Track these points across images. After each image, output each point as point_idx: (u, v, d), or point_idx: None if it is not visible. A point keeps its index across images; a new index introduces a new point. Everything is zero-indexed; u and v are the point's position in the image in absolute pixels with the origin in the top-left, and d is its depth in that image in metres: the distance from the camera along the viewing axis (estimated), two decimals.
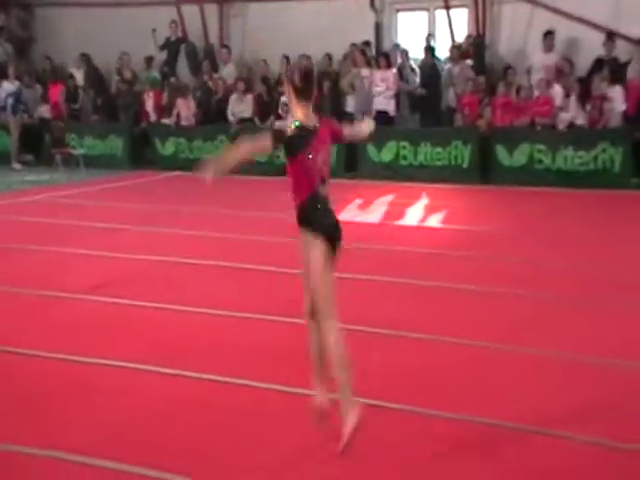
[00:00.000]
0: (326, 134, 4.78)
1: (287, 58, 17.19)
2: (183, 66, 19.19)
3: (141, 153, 18.14)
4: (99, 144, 18.21)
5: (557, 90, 14.73)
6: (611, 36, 14.98)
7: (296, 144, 4.62)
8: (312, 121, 4.71)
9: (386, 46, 17.53)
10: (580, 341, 6.70)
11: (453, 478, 4.51)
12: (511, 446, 4.86)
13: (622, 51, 15.09)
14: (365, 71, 16.30)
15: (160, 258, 9.70)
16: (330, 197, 4.76)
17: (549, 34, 15.30)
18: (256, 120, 17.00)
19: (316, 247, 4.67)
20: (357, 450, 4.64)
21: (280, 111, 16.48)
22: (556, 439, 4.89)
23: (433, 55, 16.68)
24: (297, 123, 4.64)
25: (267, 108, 17.01)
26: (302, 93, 4.70)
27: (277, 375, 6.06)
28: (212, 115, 17.66)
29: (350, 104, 16.41)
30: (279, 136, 4.67)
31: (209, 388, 5.92)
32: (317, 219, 4.69)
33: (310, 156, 4.63)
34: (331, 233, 4.73)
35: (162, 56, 19.22)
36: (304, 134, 4.63)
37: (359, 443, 4.63)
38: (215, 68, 18.57)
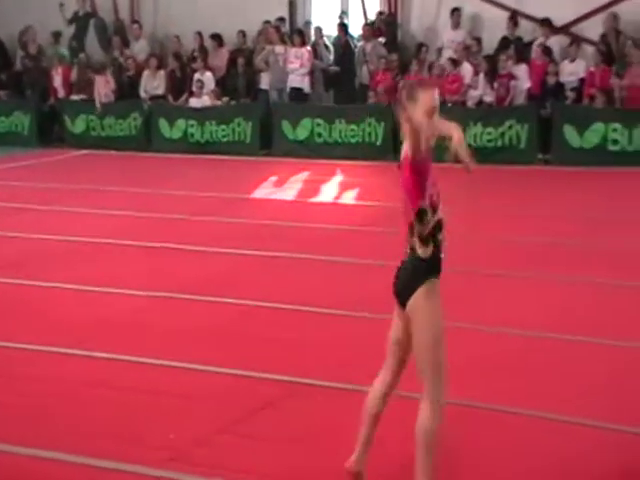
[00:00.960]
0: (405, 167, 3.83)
1: (200, 34, 17.09)
2: (92, 41, 18.67)
3: (49, 131, 17.63)
4: (4, 121, 17.69)
5: (466, 68, 14.98)
6: (514, 16, 15.24)
7: None
8: None
9: (300, 23, 17.47)
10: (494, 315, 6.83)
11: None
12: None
13: (527, 30, 15.39)
14: (279, 48, 16.21)
15: (66, 238, 9.57)
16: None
17: (456, 10, 15.56)
18: (169, 97, 16.81)
19: (437, 305, 3.91)
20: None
21: (194, 88, 16.34)
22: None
23: (346, 33, 16.71)
24: None
25: (180, 85, 16.84)
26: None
27: (192, 354, 6.11)
28: (124, 92, 17.30)
29: (264, 81, 16.34)
30: None
31: (121, 368, 5.91)
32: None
33: None
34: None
35: (70, 31, 18.65)
36: None
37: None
38: (126, 44, 18.22)
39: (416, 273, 3.78)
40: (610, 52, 14.24)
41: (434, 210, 3.74)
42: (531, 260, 8.42)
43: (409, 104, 3.76)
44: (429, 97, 3.76)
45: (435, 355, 3.75)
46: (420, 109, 3.72)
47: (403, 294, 3.84)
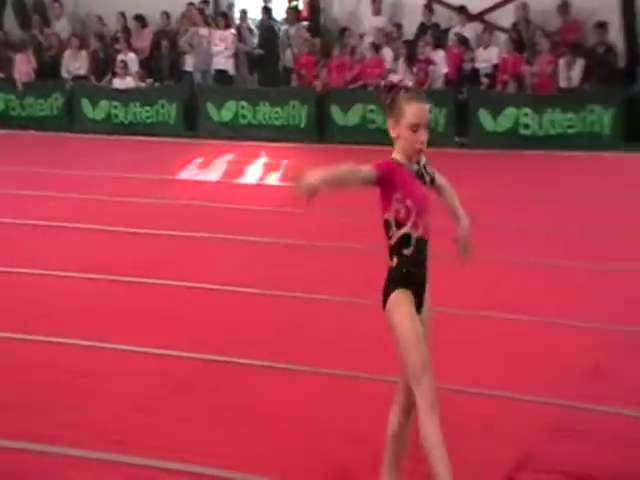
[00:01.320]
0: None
1: (123, 15, 16.98)
2: (10, 19, 18.48)
3: None
4: None
5: (387, 53, 15.29)
6: (430, 3, 15.63)
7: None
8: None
9: (224, 6, 17.53)
10: None
11: None
12: None
13: (445, 18, 15.76)
14: (203, 30, 16.27)
15: None
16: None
17: None
18: (92, 78, 16.72)
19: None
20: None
21: (117, 69, 16.29)
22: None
23: (270, 16, 16.82)
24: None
25: (103, 66, 16.77)
26: None
27: (113, 335, 6.07)
28: (45, 71, 17.12)
29: (189, 63, 16.37)
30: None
31: (39, 349, 5.86)
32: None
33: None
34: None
35: None
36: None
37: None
38: (46, 22, 18.00)
39: (387, 282, 3.72)
40: (521, 40, 14.70)
41: (398, 224, 3.65)
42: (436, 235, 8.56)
43: (392, 114, 3.66)
44: (414, 111, 3.61)
45: (407, 359, 3.61)
46: (404, 123, 3.61)
47: (382, 301, 3.75)
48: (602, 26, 14.15)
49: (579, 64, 13.86)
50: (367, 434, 4.48)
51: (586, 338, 5.94)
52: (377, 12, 15.90)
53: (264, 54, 16.41)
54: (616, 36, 14.37)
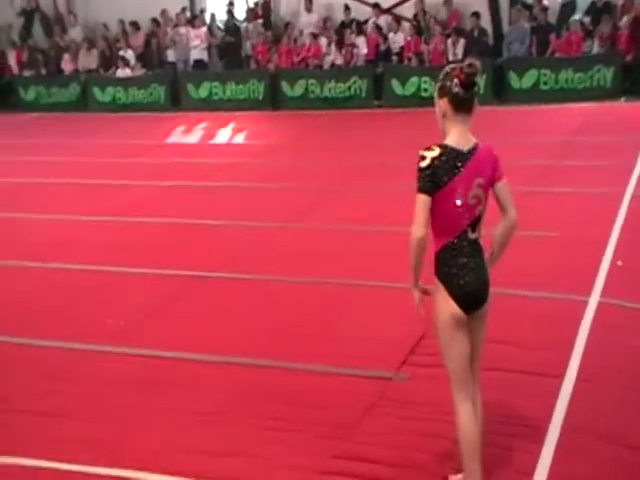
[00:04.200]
0: (487, 164, 2.78)
1: (122, 22, 16.60)
2: (38, 30, 17.98)
3: (7, 99, 16.81)
4: None
5: (322, 40, 15.10)
6: (348, 5, 15.41)
7: (440, 173, 2.71)
8: (468, 142, 2.77)
9: (197, 10, 17.11)
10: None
11: None
12: None
13: (364, 12, 15.47)
14: (182, 29, 15.96)
15: (29, 180, 9.46)
16: (482, 247, 2.86)
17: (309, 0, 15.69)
18: (101, 70, 16.37)
19: (444, 311, 2.80)
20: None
21: (119, 63, 15.98)
22: None
23: (233, 16, 16.46)
24: (444, 144, 2.76)
25: (109, 61, 16.41)
26: (462, 104, 2.75)
27: (116, 261, 6.06)
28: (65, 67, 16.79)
29: (172, 54, 16.05)
30: (429, 179, 2.71)
31: (62, 274, 5.81)
32: (455, 278, 2.78)
33: (458, 189, 2.72)
34: (472, 300, 2.80)
35: (20, 22, 17.89)
36: (452, 159, 2.73)
37: None
38: (65, 31, 17.58)
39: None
40: (420, 27, 14.60)
41: None
42: (363, 174, 8.66)
43: (439, 98, 2.81)
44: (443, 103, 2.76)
45: None
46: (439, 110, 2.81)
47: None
48: (476, 15, 14.18)
49: (461, 43, 13.83)
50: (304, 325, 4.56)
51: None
52: (309, 11, 15.68)
53: (230, 45, 16.00)
54: (486, 22, 14.37)
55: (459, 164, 2.72)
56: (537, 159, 8.67)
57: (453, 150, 2.73)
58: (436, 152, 2.73)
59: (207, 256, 6.05)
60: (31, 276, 5.89)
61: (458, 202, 2.72)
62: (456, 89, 2.73)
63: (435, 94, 2.86)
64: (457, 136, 2.76)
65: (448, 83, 2.75)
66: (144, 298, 5.25)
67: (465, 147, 2.75)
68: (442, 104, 2.79)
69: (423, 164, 2.72)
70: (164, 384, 4.04)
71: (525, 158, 8.57)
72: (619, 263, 5.33)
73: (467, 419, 2.83)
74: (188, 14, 16.70)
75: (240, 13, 16.78)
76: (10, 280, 5.83)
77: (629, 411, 3.56)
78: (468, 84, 2.73)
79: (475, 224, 2.79)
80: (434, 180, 2.70)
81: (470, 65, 2.73)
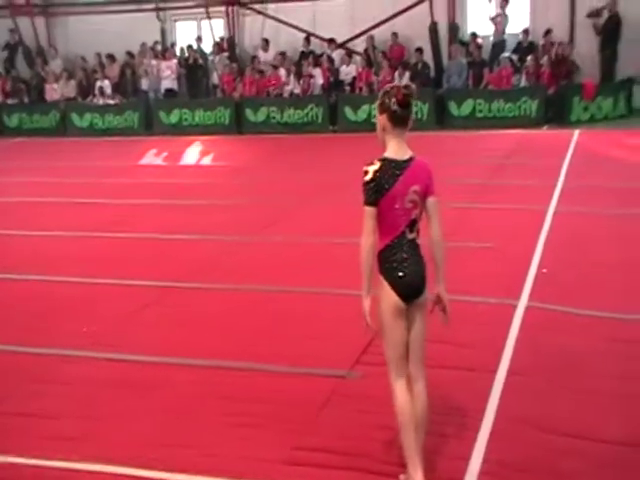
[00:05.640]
0: (422, 174, 2.85)
1: (99, 54, 16.40)
2: (21, 62, 17.72)
3: None
4: None
5: (282, 72, 15.18)
6: (308, 37, 15.56)
7: (382, 182, 2.77)
8: (405, 153, 2.83)
9: (168, 44, 17.01)
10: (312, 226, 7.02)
11: None
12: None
13: (319, 45, 15.64)
14: (154, 62, 15.90)
15: (21, 199, 9.22)
16: (419, 246, 2.90)
17: (265, 40, 15.88)
18: (79, 98, 16.15)
19: (386, 302, 2.84)
20: None
21: (96, 92, 15.77)
22: None
23: (201, 50, 16.42)
24: (383, 158, 2.81)
25: (86, 90, 16.22)
26: (400, 120, 2.80)
27: (94, 272, 6.01)
28: (45, 96, 16.46)
29: (144, 84, 15.95)
30: (373, 191, 2.77)
31: (41, 285, 5.69)
32: (395, 271, 2.82)
33: (397, 194, 2.78)
34: (410, 289, 2.84)
35: (3, 55, 17.66)
36: (392, 168, 2.79)
37: None
38: (46, 62, 17.29)
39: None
40: (370, 59, 14.77)
41: None
42: (320, 191, 8.66)
43: (379, 114, 2.85)
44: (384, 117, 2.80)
45: None
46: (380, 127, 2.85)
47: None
48: (420, 50, 14.44)
49: (407, 75, 14.02)
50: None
51: None
52: (265, 50, 15.90)
53: (196, 74, 15.94)
54: (428, 57, 14.63)
55: (397, 172, 2.80)
56: (473, 178, 8.84)
57: (392, 161, 2.81)
58: (377, 165, 2.81)
59: (178, 268, 5.99)
60: (13, 287, 5.77)
61: (397, 205, 2.81)
62: (394, 107, 2.80)
63: (376, 110, 2.92)
64: (395, 148, 2.84)
65: (387, 101, 2.83)
66: (120, 307, 5.17)
67: (402, 157, 2.84)
68: (382, 119, 2.86)
69: (367, 178, 2.80)
70: (137, 385, 3.98)
71: (462, 177, 8.74)
72: (544, 270, 5.45)
73: (402, 396, 2.88)
74: (159, 47, 16.67)
75: (207, 47, 16.77)
76: None
77: (557, 401, 3.64)
78: (405, 103, 2.81)
79: (412, 225, 2.87)
80: (378, 189, 2.78)
81: (406, 87, 2.84)
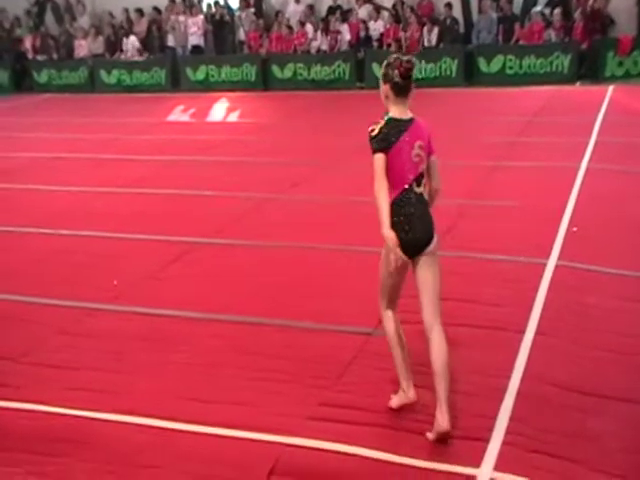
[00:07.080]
0: (424, 132, 2.99)
1: (127, 10, 16.14)
2: (50, 18, 17.53)
3: (21, 81, 16.54)
4: None
5: (309, 27, 14.76)
6: None
7: (389, 136, 2.90)
8: (407, 115, 2.97)
9: (195, 0, 16.60)
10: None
11: None
12: None
13: (347, 2, 15.13)
14: (181, 17, 15.54)
15: (44, 155, 9.21)
16: (426, 201, 3.03)
17: None
18: (107, 55, 15.94)
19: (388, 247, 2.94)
20: None
21: (124, 48, 15.55)
22: None
23: (228, 6, 16.04)
24: (388, 118, 2.94)
25: (114, 46, 15.97)
26: (401, 90, 2.92)
27: (120, 228, 5.98)
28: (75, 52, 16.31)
29: (171, 40, 15.64)
30: (381, 140, 2.90)
31: (73, 241, 5.68)
32: (399, 230, 2.91)
33: (404, 146, 2.91)
34: (415, 246, 2.95)
35: (34, 11, 17.45)
36: (397, 125, 2.92)
37: None
38: (74, 19, 17.09)
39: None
40: (398, 16, 14.25)
41: None
42: (346, 150, 8.46)
43: (383, 83, 2.96)
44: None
45: None
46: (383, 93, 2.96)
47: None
48: (449, 5, 13.92)
49: (435, 31, 13.57)
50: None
51: None
52: (297, 1, 15.31)
53: (224, 32, 15.59)
54: (458, 12, 14.10)
55: (402, 128, 2.95)
56: (502, 136, 8.56)
57: (396, 119, 2.96)
58: (382, 123, 2.95)
59: (205, 224, 5.94)
60: (43, 242, 5.78)
61: (404, 157, 2.93)
62: (396, 79, 2.93)
63: (380, 79, 3.02)
64: (398, 112, 2.98)
65: (390, 72, 2.95)
66: (148, 262, 5.15)
67: (405, 117, 2.99)
68: (385, 88, 2.99)
69: (373, 133, 2.94)
70: (164, 339, 3.97)
71: (492, 135, 8.49)
72: (574, 229, 5.29)
73: (389, 324, 3.15)
74: (187, 3, 16.30)
75: (234, 2, 16.40)
76: (24, 245, 5.71)
77: (583, 361, 3.55)
78: (406, 75, 2.92)
79: (419, 179, 2.99)
80: (385, 139, 2.92)
81: (408, 61, 2.93)
